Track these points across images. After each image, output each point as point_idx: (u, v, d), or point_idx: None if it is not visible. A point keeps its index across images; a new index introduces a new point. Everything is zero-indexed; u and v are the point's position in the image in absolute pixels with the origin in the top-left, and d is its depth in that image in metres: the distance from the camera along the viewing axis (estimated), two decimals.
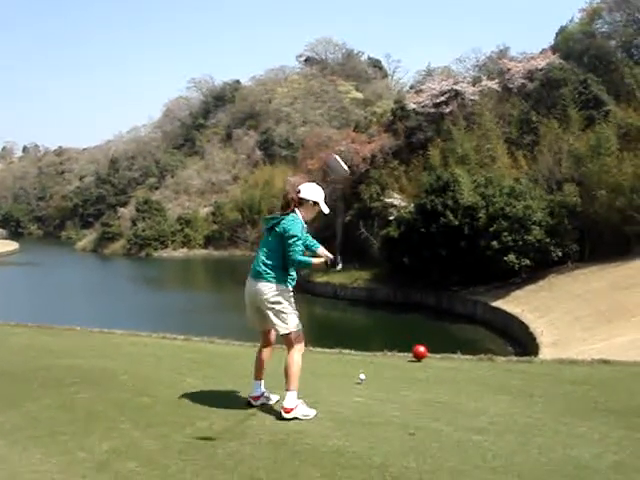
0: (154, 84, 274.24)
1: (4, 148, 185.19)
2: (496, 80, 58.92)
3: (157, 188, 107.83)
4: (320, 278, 54.63)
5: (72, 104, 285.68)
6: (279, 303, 6.40)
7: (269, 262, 6.44)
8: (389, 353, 10.05)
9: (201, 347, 10.36)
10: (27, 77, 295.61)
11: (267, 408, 6.50)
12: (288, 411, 6.26)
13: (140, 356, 9.45)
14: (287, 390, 6.31)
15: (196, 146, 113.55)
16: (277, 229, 6.45)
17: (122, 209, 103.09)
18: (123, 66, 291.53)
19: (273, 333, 6.66)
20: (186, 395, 6.95)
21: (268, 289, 6.39)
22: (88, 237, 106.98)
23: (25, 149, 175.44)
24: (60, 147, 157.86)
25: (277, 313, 6.39)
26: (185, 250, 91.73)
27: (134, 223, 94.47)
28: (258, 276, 6.45)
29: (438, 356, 9.78)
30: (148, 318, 43.66)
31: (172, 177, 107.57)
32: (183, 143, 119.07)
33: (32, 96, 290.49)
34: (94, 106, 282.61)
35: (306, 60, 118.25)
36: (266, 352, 6.76)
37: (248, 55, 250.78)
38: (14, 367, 8.58)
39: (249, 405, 6.61)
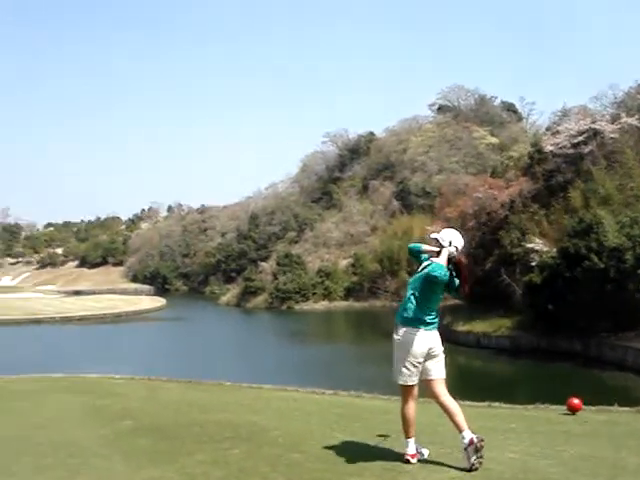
0: (290, 140, 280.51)
1: (150, 208, 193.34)
2: (636, 116, 56.87)
3: (297, 242, 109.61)
4: (462, 327, 53.80)
5: (213, 164, 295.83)
6: (443, 351, 6.51)
7: (429, 310, 6.45)
8: (541, 406, 9.72)
9: (349, 402, 10.34)
10: (171, 142, 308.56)
11: (419, 464, 6.39)
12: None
13: (289, 411, 9.52)
14: (462, 430, 6.32)
15: (333, 199, 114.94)
16: (427, 274, 6.44)
17: (263, 263, 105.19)
18: (260, 125, 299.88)
19: (417, 387, 6.62)
20: (337, 451, 6.91)
21: (437, 337, 6.46)
22: (231, 292, 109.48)
23: (170, 209, 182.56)
24: (202, 205, 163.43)
25: (443, 360, 6.49)
26: (326, 302, 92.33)
27: (275, 277, 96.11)
28: (426, 325, 6.44)
29: (593, 408, 9.40)
30: (292, 371, 43.96)
31: (311, 230, 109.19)
32: (320, 197, 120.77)
33: (175, 160, 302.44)
34: (234, 165, 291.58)
35: (439, 108, 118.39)
36: (415, 407, 6.66)
37: (381, 107, 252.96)
38: (167, 422, 8.81)
39: (407, 462, 6.50)
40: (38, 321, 79.07)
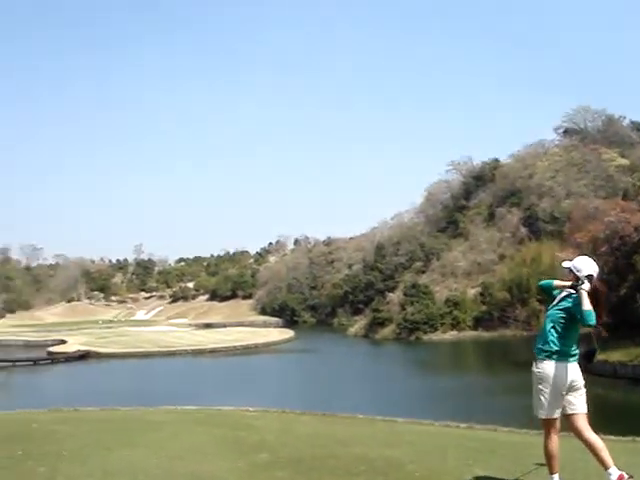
0: (414, 170, 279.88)
1: (278, 242, 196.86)
2: None
3: (423, 272, 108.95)
4: (597, 356, 51.85)
5: (338, 195, 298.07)
6: (584, 384, 6.37)
7: (570, 342, 6.31)
8: None
9: (485, 435, 10.08)
10: (296, 175, 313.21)
11: None
12: None
13: (424, 445, 9.37)
14: (608, 467, 6.16)
15: (459, 228, 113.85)
16: (569, 310, 6.30)
17: (390, 294, 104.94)
18: (384, 155, 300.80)
19: (559, 421, 6.43)
20: None
21: (578, 370, 6.33)
22: (359, 323, 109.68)
23: (296, 241, 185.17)
24: (328, 237, 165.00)
25: (584, 393, 6.32)
26: (455, 332, 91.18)
27: (403, 307, 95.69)
28: (568, 357, 6.31)
29: None
30: (423, 403, 43.53)
31: (438, 260, 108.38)
32: (446, 225, 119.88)
33: (301, 192, 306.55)
34: (358, 196, 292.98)
35: (565, 131, 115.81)
36: (557, 441, 6.47)
37: (505, 133, 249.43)
38: (303, 455, 8.82)
39: None
40: (171, 353, 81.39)
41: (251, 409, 15.04)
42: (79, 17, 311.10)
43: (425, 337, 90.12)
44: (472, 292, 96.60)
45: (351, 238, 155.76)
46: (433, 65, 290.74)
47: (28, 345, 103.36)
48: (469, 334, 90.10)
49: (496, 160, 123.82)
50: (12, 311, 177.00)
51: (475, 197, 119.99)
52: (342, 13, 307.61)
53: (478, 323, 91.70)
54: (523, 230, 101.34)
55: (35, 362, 78.73)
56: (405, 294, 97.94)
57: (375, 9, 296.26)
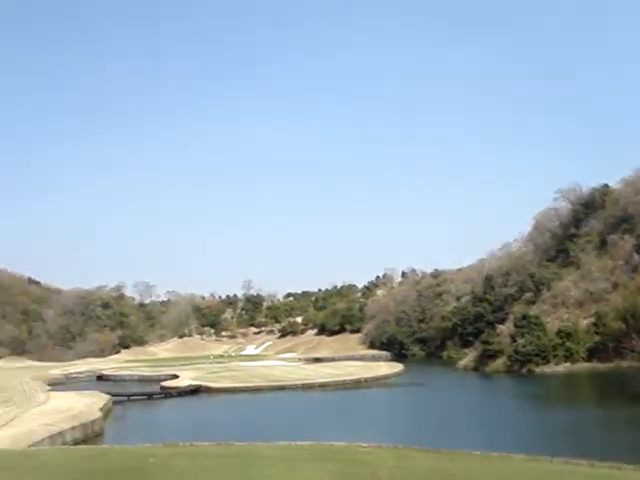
0: (521, 199, 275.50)
1: (385, 275, 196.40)
2: None
3: (534, 302, 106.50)
4: None
5: (445, 227, 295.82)
6: None
7: None
8: None
9: (608, 473, 9.72)
10: (400, 206, 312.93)
11: None
12: None
13: None
14: None
15: (570, 256, 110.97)
16: None
17: (500, 326, 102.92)
18: (488, 186, 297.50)
19: None
20: None
21: None
22: (469, 356, 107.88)
23: (404, 274, 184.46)
24: (436, 269, 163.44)
25: None
26: (568, 364, 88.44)
27: (513, 339, 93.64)
28: None
29: None
30: (537, 437, 42.32)
31: (548, 290, 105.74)
32: (556, 254, 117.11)
33: (408, 224, 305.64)
34: (465, 227, 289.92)
35: None
36: None
37: (614, 158, 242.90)
38: None
39: None
40: (281, 388, 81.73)
41: (364, 444, 14.97)
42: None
43: (537, 369, 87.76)
44: (585, 322, 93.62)
45: (459, 270, 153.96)
46: (532, 98, 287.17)
47: (142, 380, 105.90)
48: (583, 366, 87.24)
49: (606, 186, 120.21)
50: (127, 346, 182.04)
51: (585, 224, 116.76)
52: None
53: (592, 354, 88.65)
54: (637, 257, 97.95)
55: (149, 396, 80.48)
56: (515, 325, 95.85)
57: None
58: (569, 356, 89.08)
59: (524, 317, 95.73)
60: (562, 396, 71.90)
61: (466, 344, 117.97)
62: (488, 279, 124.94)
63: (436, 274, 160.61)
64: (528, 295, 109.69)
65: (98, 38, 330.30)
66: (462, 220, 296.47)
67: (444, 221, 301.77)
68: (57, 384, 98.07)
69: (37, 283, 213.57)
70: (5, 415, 51.85)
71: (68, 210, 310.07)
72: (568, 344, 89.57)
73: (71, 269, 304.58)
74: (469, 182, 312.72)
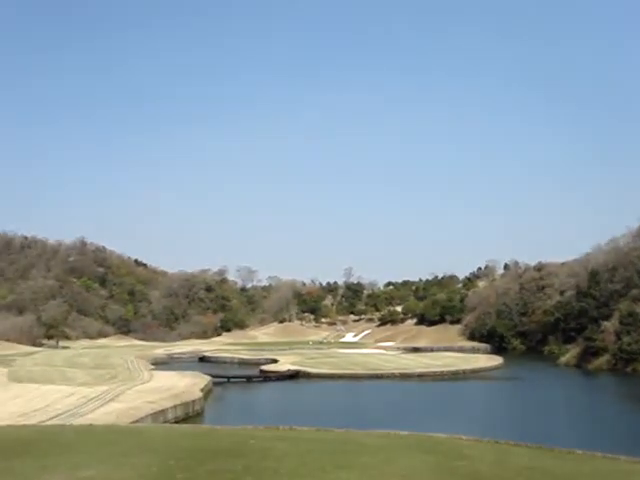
0: (630, 193, 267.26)
1: (487, 267, 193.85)
2: None
3: None
4: None
5: (549, 220, 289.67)
6: None
7: None
8: None
9: None
10: (509, 199, 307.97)
11: None
12: None
13: None
14: None
15: None
16: None
17: (605, 322, 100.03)
18: (593, 179, 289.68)
19: None
20: None
21: None
22: (571, 352, 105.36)
23: (506, 266, 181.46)
24: (539, 262, 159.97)
25: None
26: None
27: (618, 337, 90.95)
28: None
29: None
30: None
31: None
32: None
33: (511, 216, 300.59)
34: (569, 220, 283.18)
35: None
36: None
37: None
38: None
39: None
40: (378, 376, 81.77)
41: (464, 437, 14.85)
42: None
43: None
44: None
45: (563, 263, 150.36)
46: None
47: (242, 363, 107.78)
48: None
49: None
50: (228, 329, 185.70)
51: None
52: None
53: None
54: None
55: (249, 379, 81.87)
56: (621, 322, 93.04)
57: None
58: None
59: (630, 314, 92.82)
60: None
61: (568, 340, 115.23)
62: (593, 274, 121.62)
63: (539, 267, 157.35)
64: (635, 292, 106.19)
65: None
66: (568, 213, 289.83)
67: (548, 214, 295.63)
68: (160, 363, 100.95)
69: (144, 265, 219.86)
70: (111, 391, 53.70)
71: (179, 199, 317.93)
72: None
73: (177, 253, 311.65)
74: (576, 175, 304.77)
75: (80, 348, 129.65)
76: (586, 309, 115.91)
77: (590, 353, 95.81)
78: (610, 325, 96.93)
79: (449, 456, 11.64)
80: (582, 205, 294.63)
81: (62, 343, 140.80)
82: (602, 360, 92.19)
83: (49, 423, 33.84)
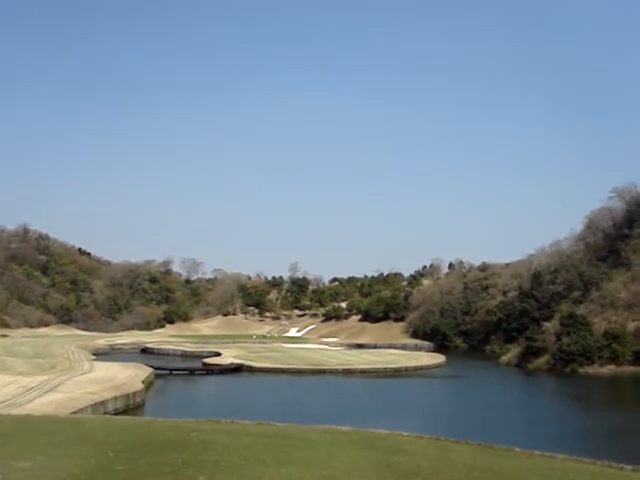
0: (573, 197, 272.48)
1: (432, 265, 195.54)
2: None
3: (581, 302, 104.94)
4: None
5: (492, 220, 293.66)
6: None
7: None
8: None
9: None
10: (447, 198, 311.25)
11: None
12: None
13: None
14: None
15: (621, 257, 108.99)
16: None
17: (546, 323, 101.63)
18: (541, 181, 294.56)
19: None
20: None
21: None
22: (512, 351, 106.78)
23: (451, 265, 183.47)
24: (484, 263, 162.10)
25: None
26: (612, 367, 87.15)
27: (559, 338, 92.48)
28: None
29: None
30: (580, 439, 41.96)
31: (597, 290, 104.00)
32: (607, 255, 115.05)
33: (455, 216, 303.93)
34: (514, 221, 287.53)
35: None
36: None
37: None
38: None
39: None
40: (321, 372, 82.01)
41: (405, 433, 14.96)
42: None
43: (581, 370, 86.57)
44: (633, 325, 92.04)
45: (507, 264, 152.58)
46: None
47: (185, 355, 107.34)
48: (628, 369, 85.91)
49: None
50: (172, 322, 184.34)
51: (639, 225, 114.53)
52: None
53: (638, 358, 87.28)
54: None
55: (191, 372, 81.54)
56: (561, 324, 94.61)
57: None
58: (614, 358, 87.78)
59: (570, 316, 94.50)
60: (606, 398, 71.05)
61: (510, 339, 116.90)
62: (536, 275, 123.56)
63: (483, 267, 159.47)
64: (576, 294, 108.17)
65: None
66: (511, 215, 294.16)
67: (493, 215, 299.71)
68: (102, 354, 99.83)
69: (87, 254, 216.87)
70: (50, 381, 52.91)
71: (123, 188, 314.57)
72: (614, 346, 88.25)
73: (121, 243, 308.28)
74: (522, 177, 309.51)
75: (20, 337, 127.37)
76: (528, 310, 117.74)
77: (531, 353, 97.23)
78: (551, 326, 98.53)
79: (390, 452, 11.70)
80: (528, 207, 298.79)
81: (1, 331, 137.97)
82: (542, 360, 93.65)
83: None
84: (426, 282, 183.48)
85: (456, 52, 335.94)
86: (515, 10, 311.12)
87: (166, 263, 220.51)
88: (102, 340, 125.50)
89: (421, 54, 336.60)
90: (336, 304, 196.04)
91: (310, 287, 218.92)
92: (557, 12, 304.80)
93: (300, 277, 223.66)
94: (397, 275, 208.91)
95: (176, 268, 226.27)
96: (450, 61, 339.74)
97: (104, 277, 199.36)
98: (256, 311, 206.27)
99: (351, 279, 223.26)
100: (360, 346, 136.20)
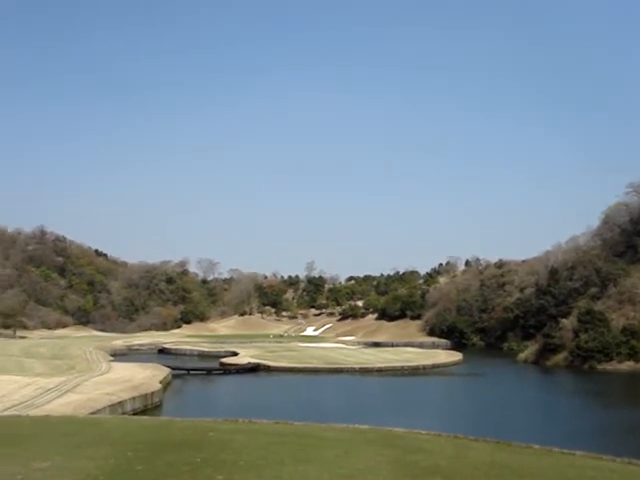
0: (590, 193, 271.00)
1: (448, 263, 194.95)
2: None
3: (599, 298, 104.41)
4: None
5: (510, 217, 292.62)
6: None
7: None
8: None
9: None
10: (463, 197, 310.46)
11: None
12: None
13: None
14: None
15: (639, 253, 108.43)
16: None
17: (563, 320, 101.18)
18: (558, 178, 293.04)
19: None
20: None
21: None
22: (529, 348, 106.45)
23: (467, 263, 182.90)
24: (500, 260, 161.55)
25: None
26: (631, 363, 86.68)
27: (576, 334, 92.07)
28: None
29: None
30: (600, 436, 41.75)
31: (615, 286, 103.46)
32: (624, 250, 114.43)
33: (472, 214, 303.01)
34: (531, 218, 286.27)
35: None
36: None
37: None
38: None
39: None
40: (338, 370, 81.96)
41: (423, 432, 14.93)
42: None
43: (599, 367, 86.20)
44: None
45: (523, 261, 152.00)
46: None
47: (202, 355, 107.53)
48: None
49: None
50: (188, 322, 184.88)
51: None
52: None
53: None
54: None
55: (208, 372, 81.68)
56: (579, 320, 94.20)
57: None
58: (633, 354, 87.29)
59: (588, 312, 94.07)
60: (625, 395, 70.61)
61: (527, 336, 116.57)
62: (553, 272, 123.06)
63: (500, 264, 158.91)
64: (593, 290, 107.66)
65: None
66: (528, 211, 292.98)
67: (509, 212, 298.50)
68: (119, 355, 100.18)
69: (104, 255, 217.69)
70: (68, 382, 53.13)
71: (139, 189, 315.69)
72: (633, 342, 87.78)
73: (137, 244, 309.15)
74: (539, 173, 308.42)
75: (38, 338, 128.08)
76: (545, 306, 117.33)
77: (548, 350, 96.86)
78: (568, 323, 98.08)
79: (408, 450, 11.68)
80: (545, 203, 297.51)
81: (19, 333, 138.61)
82: (560, 357, 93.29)
83: (5, 414, 33.39)
84: (442, 280, 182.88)
85: (456, 52, 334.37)
86: (515, 10, 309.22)
87: (182, 263, 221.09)
88: (119, 341, 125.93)
89: (421, 54, 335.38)
90: (352, 303, 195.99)
91: (326, 286, 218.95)
92: (557, 12, 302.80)
93: (316, 276, 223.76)
94: (413, 273, 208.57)
95: (192, 268, 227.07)
96: (450, 61, 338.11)
97: (121, 278, 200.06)
98: (273, 310, 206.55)
99: (367, 277, 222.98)
100: (377, 344, 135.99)
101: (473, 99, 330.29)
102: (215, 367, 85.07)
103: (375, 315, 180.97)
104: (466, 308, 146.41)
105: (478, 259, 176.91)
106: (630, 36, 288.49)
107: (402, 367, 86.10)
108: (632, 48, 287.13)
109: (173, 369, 73.38)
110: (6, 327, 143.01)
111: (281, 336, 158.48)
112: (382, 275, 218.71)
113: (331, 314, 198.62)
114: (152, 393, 52.73)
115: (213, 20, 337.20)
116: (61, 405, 40.71)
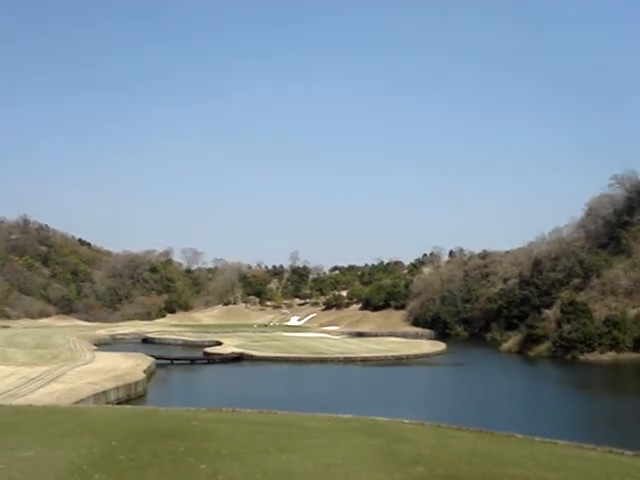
0: (574, 184, 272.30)
1: (432, 253, 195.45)
2: None
3: (582, 289, 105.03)
4: None
5: (494, 208, 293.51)
6: None
7: None
8: None
9: None
10: (447, 188, 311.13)
11: None
12: None
13: (587, 470, 8.98)
14: None
15: (621, 244, 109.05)
16: None
17: (547, 310, 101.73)
18: (541, 169, 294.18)
19: None
20: None
21: None
22: (513, 339, 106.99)
23: (451, 253, 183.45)
24: (484, 251, 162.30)
25: None
26: (613, 353, 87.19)
27: (559, 325, 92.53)
28: None
29: None
30: (582, 425, 42.09)
31: (597, 277, 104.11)
32: (607, 242, 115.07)
33: (457, 204, 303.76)
34: (515, 209, 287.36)
35: None
36: None
37: None
38: (460, 472, 8.69)
39: None
40: (322, 360, 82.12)
41: (406, 421, 15.00)
42: None
43: (581, 357, 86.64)
44: (633, 312, 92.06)
45: (507, 252, 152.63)
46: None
47: (186, 344, 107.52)
48: (629, 356, 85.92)
49: None
50: (172, 311, 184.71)
51: (639, 212, 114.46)
52: None
53: (639, 345, 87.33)
54: None
55: (192, 361, 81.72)
56: (562, 311, 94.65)
57: None
58: (615, 345, 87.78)
59: (571, 303, 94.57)
60: (606, 385, 71.10)
61: (510, 327, 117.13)
62: (536, 263, 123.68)
63: (484, 255, 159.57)
64: (576, 281, 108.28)
65: None
66: (512, 202, 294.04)
67: (493, 203, 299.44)
68: (103, 344, 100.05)
69: (87, 244, 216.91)
70: (52, 372, 52.99)
71: (122, 178, 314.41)
72: (615, 333, 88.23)
73: (121, 233, 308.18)
74: (522, 165, 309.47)
75: (21, 327, 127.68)
76: (528, 297, 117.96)
77: (531, 340, 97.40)
78: (551, 313, 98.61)
79: (391, 439, 11.74)
80: (528, 194, 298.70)
81: (2, 322, 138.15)
82: (543, 347, 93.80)
83: None
84: (427, 270, 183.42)
85: (454, 45, 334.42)
86: (513, 5, 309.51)
87: (166, 253, 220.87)
88: (103, 330, 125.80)
89: (420, 46, 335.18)
90: (337, 293, 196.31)
91: (311, 276, 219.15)
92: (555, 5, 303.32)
93: (300, 266, 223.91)
94: (397, 263, 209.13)
95: (176, 258, 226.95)
96: (448, 53, 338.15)
97: (105, 267, 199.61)
98: (257, 300, 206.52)
99: (352, 267, 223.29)
100: (361, 334, 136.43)
101: (464, 91, 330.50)
102: (199, 357, 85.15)
103: (359, 305, 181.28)
104: (450, 298, 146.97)
105: (462, 250, 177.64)
106: (626, 20, 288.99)
107: (386, 357, 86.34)
108: (631, 34, 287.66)
109: (157, 359, 73.35)
110: None
111: (265, 326, 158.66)
112: (366, 265, 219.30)
113: (315, 304, 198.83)
114: (136, 383, 52.70)
115: (212, 16, 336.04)
116: (44, 395, 40.59)
